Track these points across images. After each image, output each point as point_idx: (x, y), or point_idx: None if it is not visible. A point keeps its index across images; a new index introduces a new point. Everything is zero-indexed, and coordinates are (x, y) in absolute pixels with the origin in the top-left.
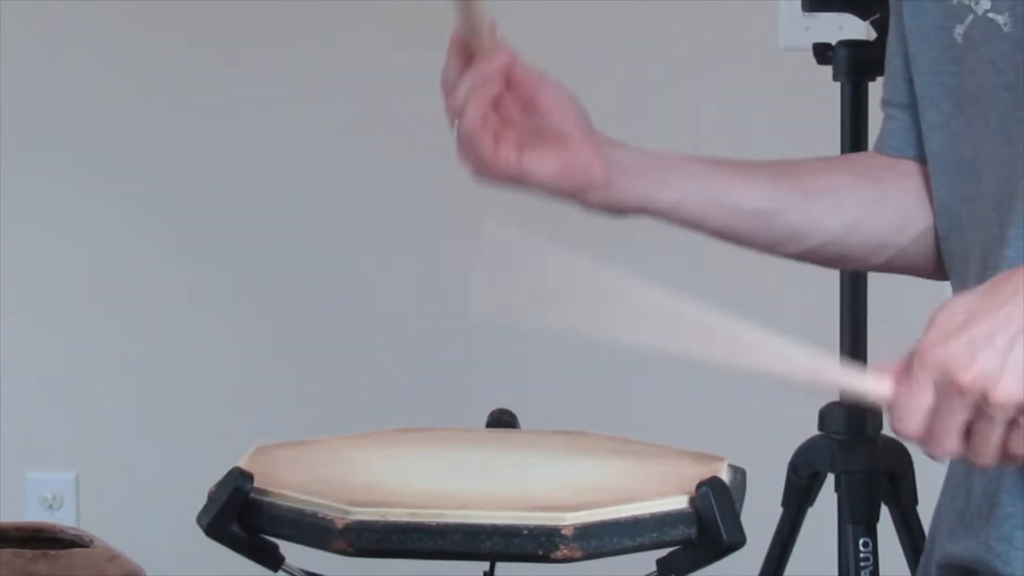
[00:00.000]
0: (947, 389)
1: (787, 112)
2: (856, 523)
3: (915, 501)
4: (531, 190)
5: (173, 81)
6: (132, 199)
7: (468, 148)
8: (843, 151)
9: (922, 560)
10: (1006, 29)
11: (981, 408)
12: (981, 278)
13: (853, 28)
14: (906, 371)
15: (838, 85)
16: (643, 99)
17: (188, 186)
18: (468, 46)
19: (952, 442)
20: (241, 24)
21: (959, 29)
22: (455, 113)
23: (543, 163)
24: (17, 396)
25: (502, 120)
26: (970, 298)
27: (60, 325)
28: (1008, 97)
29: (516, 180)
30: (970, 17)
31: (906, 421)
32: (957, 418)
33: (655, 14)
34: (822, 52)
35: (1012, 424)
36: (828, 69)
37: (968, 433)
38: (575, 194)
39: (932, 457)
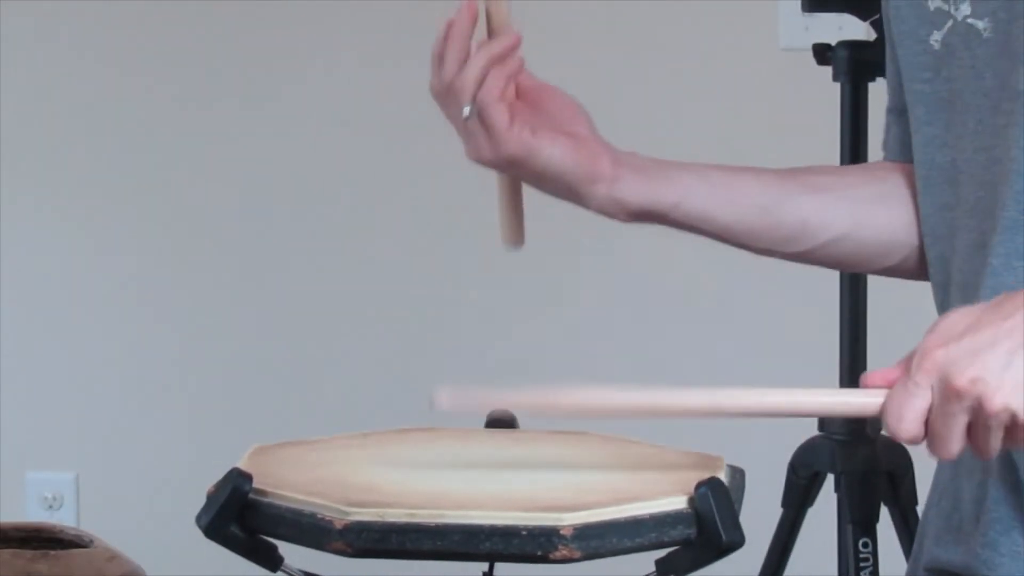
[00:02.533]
0: (944, 393)
1: (787, 112)
2: (856, 523)
3: (915, 501)
4: (535, 176)
5: (172, 82)
6: (132, 199)
7: (481, 120)
8: (843, 151)
9: (910, 563)
10: (986, 35)
11: (977, 413)
12: (964, 285)
13: (853, 28)
14: (903, 374)
15: (838, 85)
16: (643, 99)
17: (188, 186)
18: (476, 21)
19: (955, 443)
20: (241, 25)
21: (936, 35)
22: (465, 88)
23: (554, 144)
24: (17, 396)
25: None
26: (974, 309)
27: (60, 325)
28: (987, 103)
29: (524, 159)
30: (949, 23)
31: (903, 424)
32: (957, 422)
33: (655, 14)
34: (822, 52)
35: (1009, 429)
36: (828, 69)
37: (969, 433)
38: (582, 184)
39: (936, 457)
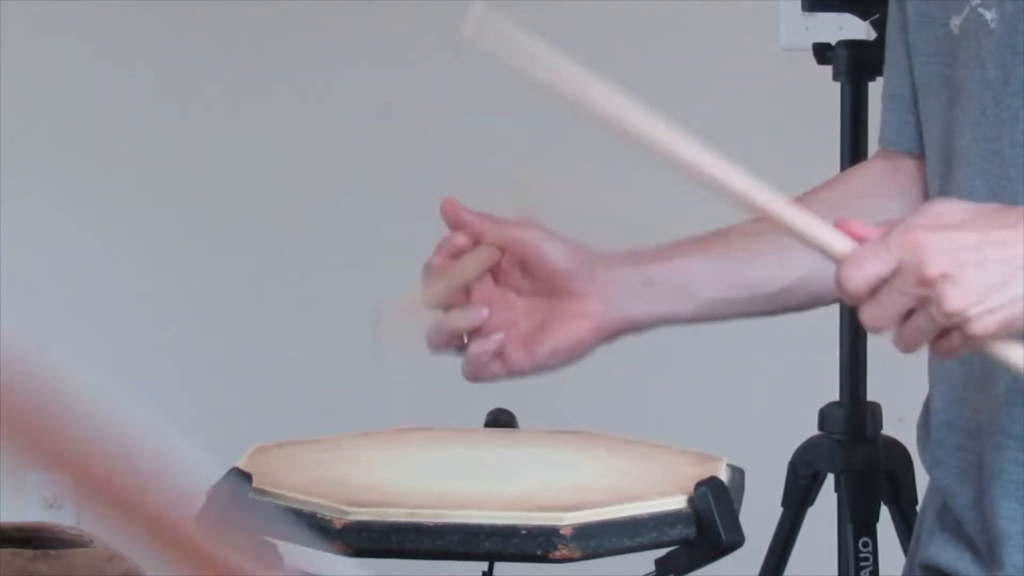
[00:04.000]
0: (910, 272)
1: (787, 112)
2: (856, 523)
3: (915, 501)
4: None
5: (174, 82)
6: (132, 199)
7: (478, 379)
8: (843, 151)
9: (907, 558)
10: (992, 25)
11: (928, 305)
12: None
13: (853, 28)
14: (877, 236)
15: (838, 85)
16: (643, 99)
17: (188, 186)
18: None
19: (891, 320)
20: (241, 26)
21: (956, 20)
22: (458, 342)
23: (554, 352)
24: None
25: (500, 288)
26: (973, 206)
27: (60, 325)
28: (989, 93)
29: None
30: (966, 9)
31: (856, 277)
32: (904, 302)
33: (655, 14)
34: (822, 52)
35: (946, 330)
36: (828, 69)
37: (906, 317)
38: (593, 348)
39: (864, 326)
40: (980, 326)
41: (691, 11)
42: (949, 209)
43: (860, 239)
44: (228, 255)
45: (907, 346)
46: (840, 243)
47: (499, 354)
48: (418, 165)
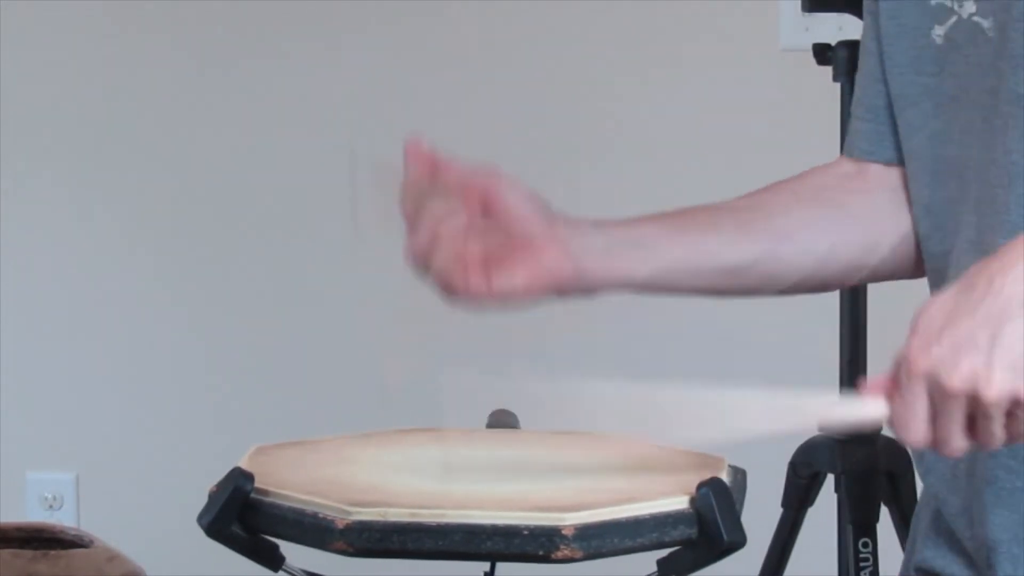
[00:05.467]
0: (940, 395)
1: (787, 112)
2: (856, 523)
3: (915, 501)
4: (506, 303)
5: (174, 82)
6: (132, 200)
7: (439, 285)
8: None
9: (904, 560)
10: (990, 34)
11: (976, 406)
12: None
13: (853, 28)
14: (897, 383)
15: (838, 85)
16: (643, 99)
17: (188, 187)
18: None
19: (958, 441)
20: (241, 26)
21: (939, 30)
22: (419, 256)
23: (512, 280)
24: (17, 396)
25: (463, 233)
26: (947, 298)
27: (60, 326)
28: (990, 102)
29: (490, 302)
30: (953, 19)
31: (911, 432)
32: (956, 419)
33: (655, 14)
34: (822, 52)
35: (1010, 414)
36: (828, 69)
37: (971, 427)
38: (552, 295)
39: (948, 456)
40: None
41: (691, 11)
42: (931, 316)
43: (886, 391)
44: (228, 255)
45: (994, 446)
46: (875, 406)
47: (461, 263)
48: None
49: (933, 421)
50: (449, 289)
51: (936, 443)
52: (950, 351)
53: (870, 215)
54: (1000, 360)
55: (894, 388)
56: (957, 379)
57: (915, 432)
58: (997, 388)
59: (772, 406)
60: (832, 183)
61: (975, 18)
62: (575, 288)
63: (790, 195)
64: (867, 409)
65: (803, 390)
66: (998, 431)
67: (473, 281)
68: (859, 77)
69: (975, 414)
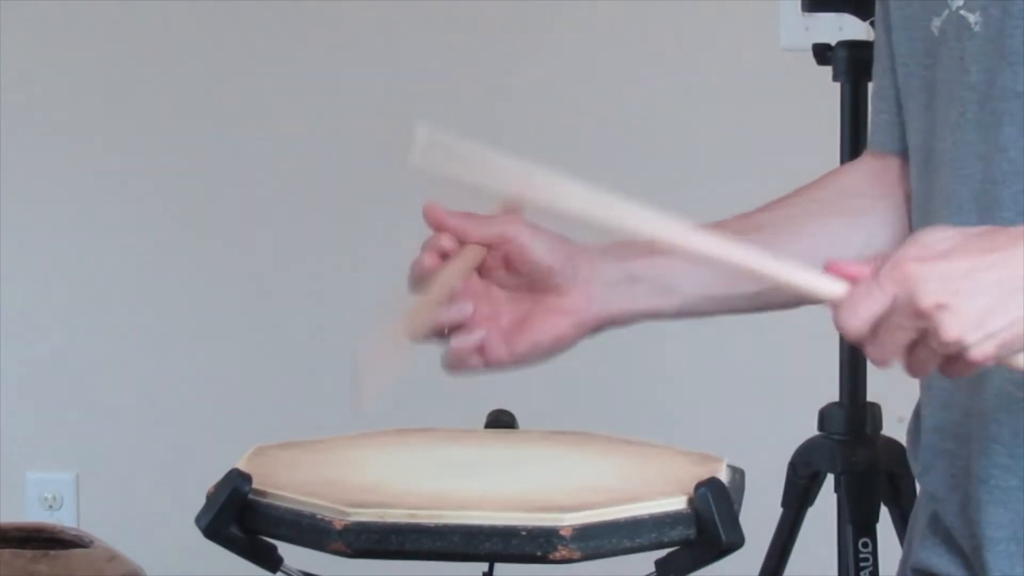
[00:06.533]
0: (905, 307)
1: (787, 112)
2: (856, 523)
3: (914, 502)
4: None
5: (173, 83)
6: (131, 199)
7: (458, 371)
8: (842, 151)
9: (901, 560)
10: (976, 28)
11: (927, 336)
12: None
13: (853, 28)
14: (870, 275)
15: (838, 85)
16: (643, 99)
17: (188, 186)
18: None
19: (895, 353)
20: (240, 27)
21: (936, 22)
22: (439, 334)
23: (535, 347)
24: (17, 396)
25: (484, 281)
26: (959, 232)
27: (60, 325)
28: (972, 97)
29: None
30: (945, 11)
31: (853, 320)
32: (904, 335)
33: (655, 14)
34: (822, 52)
35: (951, 358)
36: (828, 69)
37: (910, 348)
38: (574, 343)
39: (872, 361)
40: (980, 352)
41: (691, 11)
42: (937, 238)
43: (852, 279)
44: (228, 255)
45: (917, 373)
46: (833, 287)
47: (479, 348)
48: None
49: (881, 326)
50: (467, 371)
51: (872, 345)
52: (940, 274)
53: (898, 217)
54: (974, 308)
55: (862, 276)
56: (931, 302)
57: (859, 324)
58: (958, 332)
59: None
60: (858, 187)
61: (962, 11)
62: (598, 329)
63: (815, 205)
64: (826, 285)
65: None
66: (932, 365)
67: (493, 358)
68: (875, 69)
69: (921, 341)
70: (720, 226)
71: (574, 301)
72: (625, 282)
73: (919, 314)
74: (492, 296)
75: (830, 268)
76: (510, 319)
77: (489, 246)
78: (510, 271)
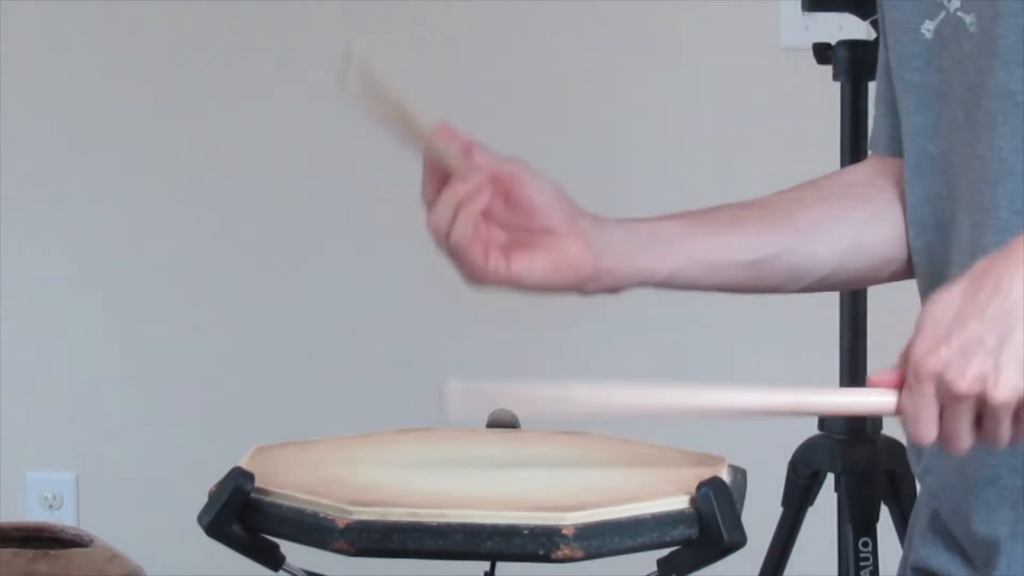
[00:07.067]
0: (948, 396)
1: (787, 112)
2: (856, 523)
3: (915, 501)
4: (524, 290)
5: (172, 85)
6: (131, 200)
7: (458, 261)
8: (843, 151)
9: (901, 559)
10: (972, 29)
11: (984, 407)
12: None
13: (853, 28)
14: (903, 380)
15: (838, 85)
16: (643, 99)
17: (187, 187)
18: (440, 166)
19: (966, 439)
20: (240, 27)
21: (928, 25)
22: (439, 230)
23: (532, 267)
24: (17, 396)
25: (486, 220)
26: (954, 295)
27: (60, 325)
28: (971, 98)
29: (507, 286)
30: (942, 14)
31: (922, 432)
32: (965, 420)
33: (655, 14)
34: (822, 52)
35: (1017, 415)
36: (828, 69)
37: (979, 426)
38: (570, 289)
39: (953, 454)
40: None
41: (691, 11)
42: (937, 316)
43: (895, 385)
44: (228, 255)
45: (1001, 446)
46: (882, 398)
47: (482, 242)
48: (416, 166)
49: (941, 420)
50: (467, 267)
51: (944, 441)
52: (959, 353)
53: (896, 209)
54: (1008, 363)
55: (901, 385)
56: (966, 382)
57: (926, 431)
58: (1005, 390)
59: (775, 399)
60: (859, 180)
61: (959, 13)
62: (595, 283)
63: (814, 191)
64: (876, 401)
65: (806, 387)
66: (1005, 430)
67: (492, 262)
68: (877, 72)
69: (983, 414)
70: (713, 211)
71: (571, 244)
72: (623, 237)
73: (962, 397)
74: (491, 226)
75: (873, 384)
76: (509, 240)
77: (492, 175)
78: (508, 206)
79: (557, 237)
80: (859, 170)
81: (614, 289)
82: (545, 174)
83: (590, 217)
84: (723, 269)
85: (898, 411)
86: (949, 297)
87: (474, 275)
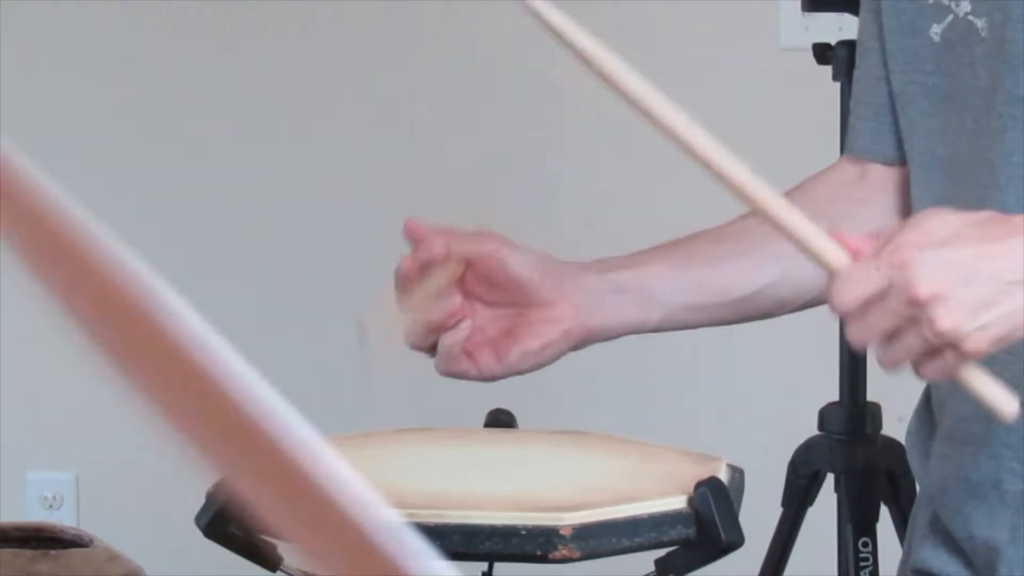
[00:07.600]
0: (898, 293)
1: (787, 112)
2: (856, 523)
3: (915, 501)
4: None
5: (171, 84)
6: (129, 197)
7: (450, 372)
8: (842, 151)
9: (901, 560)
10: (983, 33)
11: (917, 324)
12: None
13: (853, 28)
14: (870, 252)
15: (838, 85)
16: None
17: (186, 184)
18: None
19: (875, 336)
20: (239, 27)
21: (936, 28)
22: (427, 346)
23: (524, 353)
24: (17, 396)
25: (469, 303)
26: (965, 217)
27: (60, 326)
28: (981, 102)
29: (505, 377)
30: (949, 17)
31: (847, 296)
32: (891, 320)
33: (655, 14)
34: (822, 52)
35: (935, 350)
36: (828, 69)
37: (892, 334)
38: (560, 355)
39: (851, 340)
40: (974, 343)
41: (691, 11)
42: (940, 224)
43: (852, 252)
44: (227, 254)
45: (890, 364)
46: (834, 255)
47: (469, 354)
48: (415, 166)
49: (870, 305)
50: (463, 378)
51: (856, 323)
52: (939, 261)
53: (878, 221)
54: (972, 300)
55: (863, 251)
56: (927, 291)
57: (850, 302)
58: (952, 323)
59: (740, 172)
60: (836, 193)
61: (969, 17)
62: (586, 343)
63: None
64: (828, 250)
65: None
66: (914, 355)
67: (484, 366)
68: (857, 76)
69: (908, 329)
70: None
71: (560, 311)
72: (608, 293)
73: (913, 301)
74: (477, 313)
75: (834, 236)
76: (496, 333)
77: (469, 262)
78: (491, 288)
79: (544, 308)
80: (835, 178)
81: (601, 340)
82: (519, 244)
83: (570, 273)
84: (711, 309)
85: (837, 272)
86: (959, 217)
87: (473, 380)
